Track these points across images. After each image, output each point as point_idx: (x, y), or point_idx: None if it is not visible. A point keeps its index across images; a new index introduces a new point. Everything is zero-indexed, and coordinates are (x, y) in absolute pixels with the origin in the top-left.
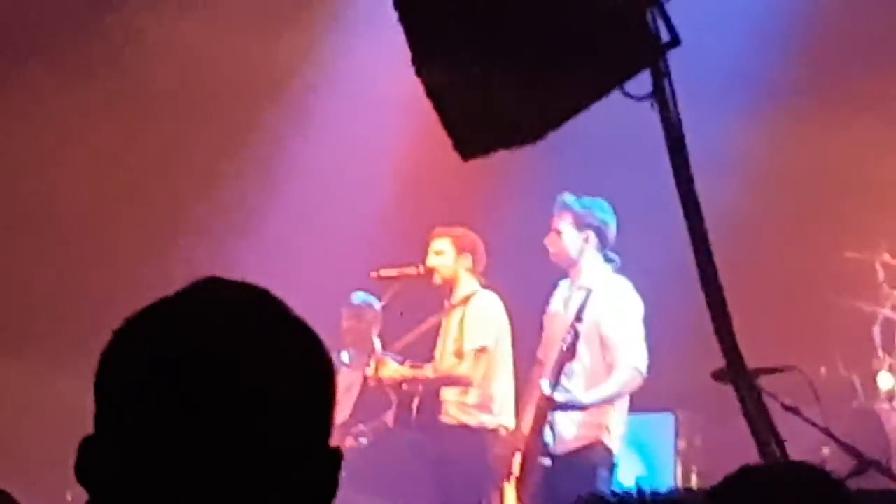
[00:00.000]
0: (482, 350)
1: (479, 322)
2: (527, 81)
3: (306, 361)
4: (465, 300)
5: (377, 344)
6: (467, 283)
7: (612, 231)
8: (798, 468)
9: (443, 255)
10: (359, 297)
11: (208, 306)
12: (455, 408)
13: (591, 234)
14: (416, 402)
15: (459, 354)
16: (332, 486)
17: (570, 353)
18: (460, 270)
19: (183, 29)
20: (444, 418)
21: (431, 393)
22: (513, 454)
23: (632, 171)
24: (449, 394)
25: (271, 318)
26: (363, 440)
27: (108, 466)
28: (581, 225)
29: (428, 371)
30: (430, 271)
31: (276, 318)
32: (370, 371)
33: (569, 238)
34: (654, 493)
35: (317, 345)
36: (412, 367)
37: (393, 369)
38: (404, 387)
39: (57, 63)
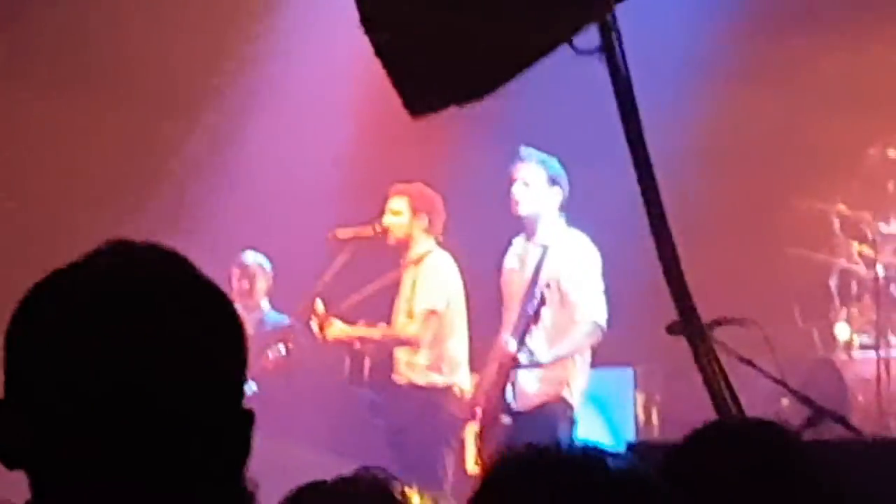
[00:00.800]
0: (432, 311)
1: (431, 283)
2: (474, 38)
3: (214, 322)
4: (419, 260)
5: (319, 305)
6: (422, 243)
7: (567, 191)
8: (753, 425)
9: (399, 214)
10: (248, 256)
11: (114, 269)
12: (406, 367)
13: (559, 192)
14: (367, 361)
15: (410, 315)
16: (244, 447)
17: (535, 316)
18: (415, 230)
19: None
20: (396, 377)
21: (383, 352)
22: (467, 413)
23: (583, 125)
24: (400, 353)
25: (178, 278)
26: None
27: (16, 432)
28: (552, 181)
29: (376, 332)
30: (385, 230)
31: (183, 279)
32: (315, 331)
33: (539, 191)
34: (605, 456)
35: (225, 305)
36: (365, 326)
37: (339, 329)
38: (357, 346)
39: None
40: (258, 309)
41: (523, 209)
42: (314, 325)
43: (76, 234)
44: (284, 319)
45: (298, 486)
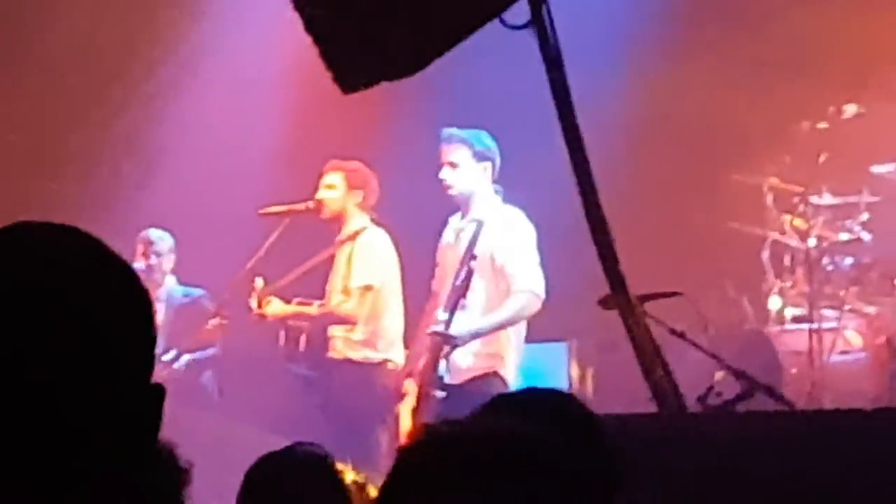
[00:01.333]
0: (367, 287)
1: (366, 259)
2: (405, 12)
3: (122, 297)
4: (353, 236)
5: (259, 282)
6: (356, 220)
7: (499, 162)
8: (540, 395)
9: (333, 188)
10: (151, 232)
11: (19, 247)
12: (341, 343)
13: (489, 165)
14: (303, 338)
15: (346, 291)
16: (154, 422)
17: (462, 288)
18: (349, 206)
19: None
20: (331, 354)
21: (319, 329)
22: (400, 387)
23: (515, 99)
24: (336, 330)
25: (84, 254)
26: None
27: None
28: (478, 156)
29: (313, 308)
30: (319, 204)
31: (89, 255)
32: (254, 307)
33: (467, 171)
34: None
35: (133, 281)
36: (299, 303)
37: (277, 306)
38: (291, 323)
39: None
40: (162, 284)
41: (455, 190)
42: (253, 301)
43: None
44: (195, 292)
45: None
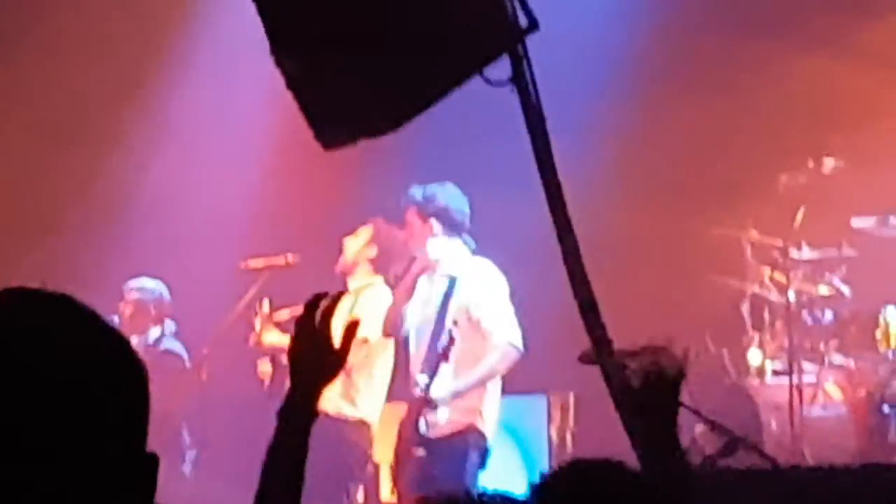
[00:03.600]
0: (364, 340)
1: (370, 312)
2: (385, 70)
3: (114, 368)
4: (359, 290)
5: (265, 305)
6: (365, 274)
7: (460, 214)
8: (604, 469)
9: (357, 237)
10: (135, 282)
11: (11, 317)
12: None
13: (435, 221)
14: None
15: None
16: (149, 489)
17: (444, 353)
18: (362, 259)
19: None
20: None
21: None
22: (371, 448)
23: (495, 152)
24: None
25: (75, 325)
26: None
27: None
28: (425, 214)
29: None
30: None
31: (81, 325)
32: (257, 328)
33: (416, 229)
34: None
35: (125, 350)
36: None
37: (275, 336)
38: (281, 358)
39: None
40: (144, 332)
41: (422, 254)
42: (256, 322)
43: None
44: (173, 346)
45: None
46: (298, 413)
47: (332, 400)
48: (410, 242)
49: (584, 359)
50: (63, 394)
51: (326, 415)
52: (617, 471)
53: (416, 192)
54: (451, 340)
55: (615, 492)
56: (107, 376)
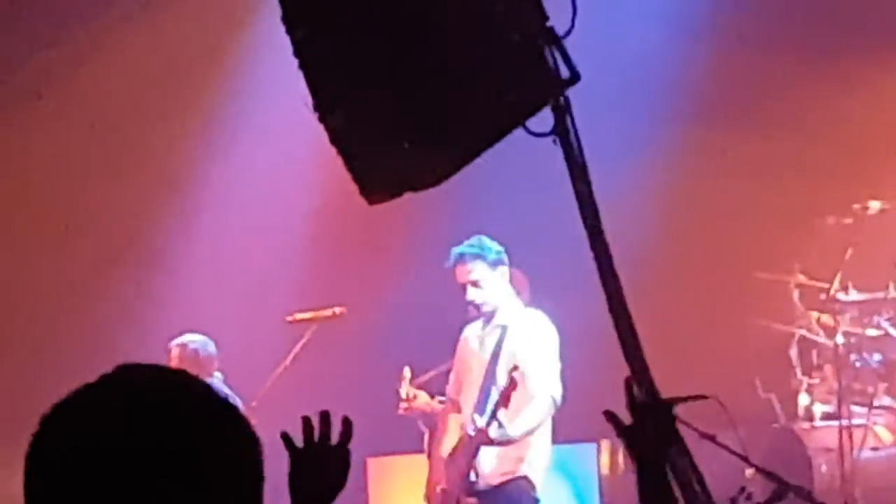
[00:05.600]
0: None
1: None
2: (427, 123)
3: (230, 441)
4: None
5: (407, 373)
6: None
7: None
8: None
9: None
10: (183, 339)
11: (128, 395)
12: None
13: (505, 270)
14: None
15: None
16: None
17: (505, 400)
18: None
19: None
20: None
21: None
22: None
23: (539, 204)
24: None
25: (192, 402)
26: None
27: None
28: (494, 265)
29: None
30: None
31: (197, 402)
32: (402, 395)
33: (491, 285)
34: None
35: (240, 422)
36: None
37: (424, 401)
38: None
39: None
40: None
41: (487, 307)
42: (402, 390)
43: (35, 323)
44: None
45: None
46: None
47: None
48: (487, 297)
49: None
50: (189, 468)
51: None
52: None
53: (475, 247)
54: (513, 385)
55: None
56: (229, 447)
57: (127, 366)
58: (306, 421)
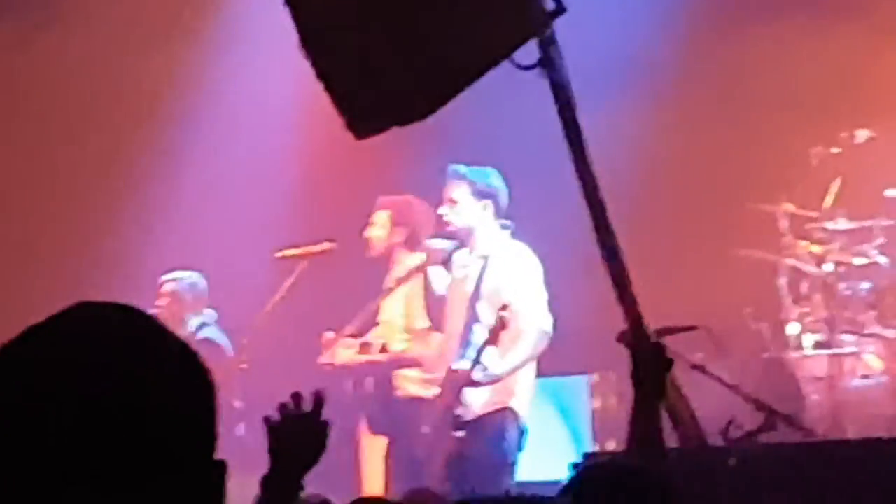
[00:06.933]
0: (430, 329)
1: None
2: (415, 58)
3: (181, 376)
4: (406, 278)
5: (328, 335)
6: (405, 259)
7: (505, 198)
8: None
9: (377, 226)
10: (171, 275)
11: (81, 332)
12: (414, 385)
13: (489, 203)
14: (370, 381)
15: (409, 332)
16: (219, 498)
17: (494, 338)
18: (395, 245)
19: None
20: (399, 392)
21: (382, 372)
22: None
23: (526, 136)
24: (406, 371)
25: (142, 336)
26: None
27: None
28: (478, 194)
29: (382, 356)
30: (367, 242)
31: (147, 336)
32: (326, 357)
33: (466, 207)
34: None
35: (192, 360)
36: (362, 351)
37: (346, 356)
38: (356, 369)
39: None
40: (185, 322)
41: (453, 226)
42: (326, 356)
43: (25, 263)
44: (214, 335)
45: None
46: (284, 492)
47: (426, 387)
48: (455, 218)
49: (623, 339)
50: (134, 402)
51: (423, 399)
52: (646, 472)
53: (467, 171)
54: (503, 325)
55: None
56: (176, 383)
57: (81, 305)
58: (282, 404)
